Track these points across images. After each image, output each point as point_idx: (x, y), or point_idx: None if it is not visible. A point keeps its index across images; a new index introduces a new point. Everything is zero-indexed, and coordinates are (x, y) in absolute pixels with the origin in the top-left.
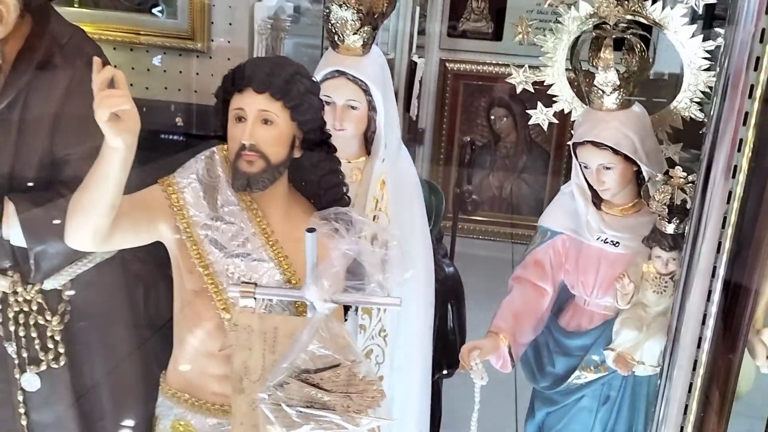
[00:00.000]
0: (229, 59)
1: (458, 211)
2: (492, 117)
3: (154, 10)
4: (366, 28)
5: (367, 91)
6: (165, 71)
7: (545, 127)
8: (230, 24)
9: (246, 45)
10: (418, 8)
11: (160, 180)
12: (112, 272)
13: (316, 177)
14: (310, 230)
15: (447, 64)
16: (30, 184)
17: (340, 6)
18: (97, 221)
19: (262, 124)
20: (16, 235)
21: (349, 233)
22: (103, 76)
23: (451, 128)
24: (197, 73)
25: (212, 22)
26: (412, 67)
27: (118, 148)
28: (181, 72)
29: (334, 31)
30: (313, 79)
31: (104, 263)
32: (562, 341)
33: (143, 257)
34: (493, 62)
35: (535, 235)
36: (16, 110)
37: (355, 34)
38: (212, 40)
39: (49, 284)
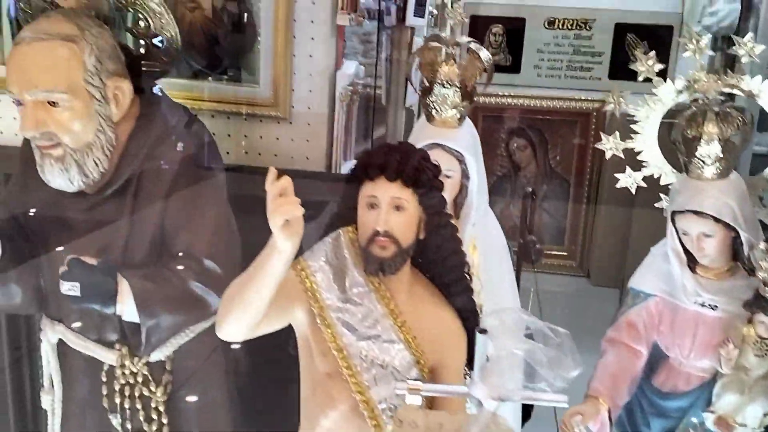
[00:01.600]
0: (309, 124)
1: (522, 261)
2: (511, 148)
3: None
4: (464, 103)
5: (461, 161)
6: (246, 136)
7: (633, 191)
8: (310, 91)
9: (326, 110)
10: None
11: (291, 264)
12: (210, 339)
13: (439, 257)
14: (482, 331)
15: None
16: (141, 260)
17: (443, 85)
18: (253, 316)
19: (394, 211)
20: (129, 312)
21: (517, 331)
22: (280, 186)
23: None
24: (277, 138)
25: (293, 90)
26: None
27: (285, 251)
28: (261, 137)
29: (432, 106)
30: (435, 163)
31: (204, 332)
32: (657, 402)
33: None
34: (512, 94)
35: (626, 297)
36: (131, 190)
37: (453, 108)
38: (293, 107)
39: (155, 356)
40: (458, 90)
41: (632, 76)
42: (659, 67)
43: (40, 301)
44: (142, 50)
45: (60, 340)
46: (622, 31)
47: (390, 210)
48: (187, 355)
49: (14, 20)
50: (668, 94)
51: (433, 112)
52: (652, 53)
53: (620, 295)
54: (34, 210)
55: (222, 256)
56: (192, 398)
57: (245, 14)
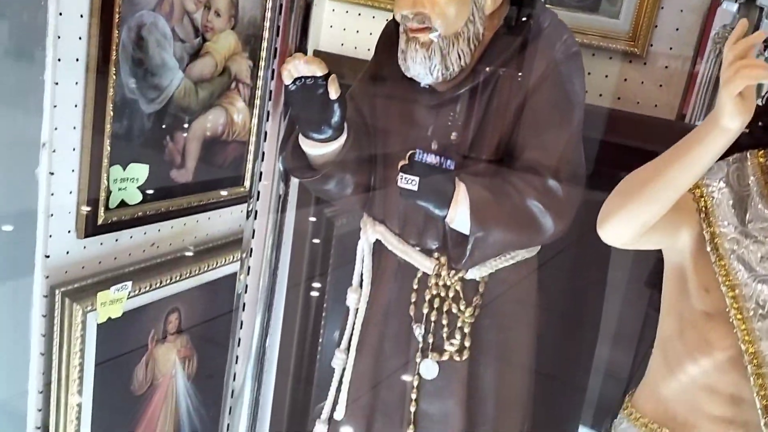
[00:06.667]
0: (666, 67)
1: None
2: None
3: None
4: None
5: None
6: (589, 73)
7: None
8: (677, 29)
9: (690, 53)
10: None
11: None
12: (528, 272)
13: None
14: None
15: None
16: (481, 166)
17: None
18: (654, 213)
19: None
20: (460, 219)
21: None
22: (747, 45)
23: None
24: (625, 80)
25: (656, 26)
26: None
27: (730, 131)
28: (607, 76)
29: None
30: None
31: (523, 262)
32: None
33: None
34: None
35: None
36: (486, 91)
37: None
38: (651, 45)
39: (471, 273)
40: None
41: None
42: None
43: (365, 200)
44: None
45: (377, 240)
46: None
47: None
48: (501, 283)
49: None
50: None
51: None
52: None
53: None
54: (380, 101)
55: (567, 180)
56: (496, 329)
57: None
